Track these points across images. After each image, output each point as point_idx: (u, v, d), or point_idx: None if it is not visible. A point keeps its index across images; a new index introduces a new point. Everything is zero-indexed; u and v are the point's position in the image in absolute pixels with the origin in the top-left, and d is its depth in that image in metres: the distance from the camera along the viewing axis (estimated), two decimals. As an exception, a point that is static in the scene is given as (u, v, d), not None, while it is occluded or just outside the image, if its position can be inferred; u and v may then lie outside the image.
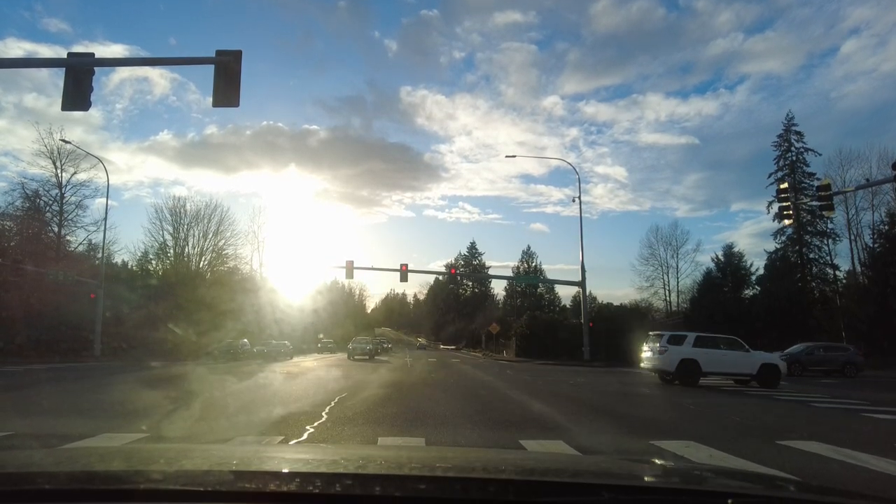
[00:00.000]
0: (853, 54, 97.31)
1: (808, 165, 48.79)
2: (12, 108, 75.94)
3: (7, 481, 1.21)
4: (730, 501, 1.05)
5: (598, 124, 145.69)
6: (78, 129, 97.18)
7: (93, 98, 12.10)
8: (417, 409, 9.69)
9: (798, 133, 49.60)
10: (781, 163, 49.77)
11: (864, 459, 5.87)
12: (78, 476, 1.25)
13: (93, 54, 12.53)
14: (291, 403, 10.51)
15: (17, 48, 77.33)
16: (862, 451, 6.27)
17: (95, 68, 12.29)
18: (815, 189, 33.87)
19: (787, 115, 50.81)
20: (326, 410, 9.22)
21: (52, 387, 14.26)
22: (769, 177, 50.55)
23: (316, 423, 7.86)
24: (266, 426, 7.77)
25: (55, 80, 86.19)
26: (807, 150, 49.07)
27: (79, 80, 11.88)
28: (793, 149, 49.34)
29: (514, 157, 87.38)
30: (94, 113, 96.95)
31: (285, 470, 1.31)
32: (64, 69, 12.14)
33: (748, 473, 2.72)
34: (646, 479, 1.47)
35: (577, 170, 59.51)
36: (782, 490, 1.43)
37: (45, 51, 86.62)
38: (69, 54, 12.38)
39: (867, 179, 36.07)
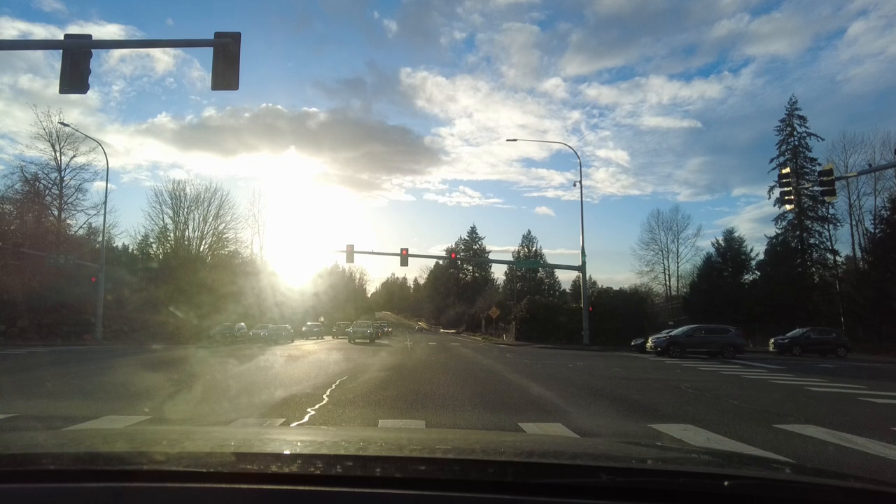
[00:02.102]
0: (860, 36, 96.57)
1: (810, 150, 48.63)
2: (7, 90, 75.55)
3: (12, 462, 1.22)
4: (726, 483, 1.06)
5: (600, 107, 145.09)
6: (75, 111, 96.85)
7: (90, 79, 12.01)
8: (417, 392, 9.76)
9: (801, 117, 49.33)
10: (784, 147, 49.54)
11: (859, 443, 5.92)
12: (82, 457, 1.26)
13: (90, 36, 12.39)
14: (292, 386, 10.58)
15: (10, 28, 76.56)
16: (858, 435, 6.33)
17: (93, 50, 12.17)
18: (816, 174, 33.74)
19: (791, 99, 50.55)
20: (327, 393, 9.29)
21: (54, 369, 14.36)
22: (771, 162, 50.41)
23: (317, 406, 7.92)
24: (267, 408, 7.83)
25: (51, 60, 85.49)
26: (810, 134, 48.86)
27: (76, 63, 11.77)
28: (795, 133, 49.08)
29: (515, 140, 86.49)
30: (92, 95, 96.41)
31: (287, 451, 1.32)
32: (61, 51, 12.03)
33: (745, 456, 2.75)
34: (643, 461, 1.48)
35: (579, 153, 59.40)
36: (778, 472, 1.45)
37: (40, 31, 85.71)
38: (66, 36, 12.24)
39: (870, 164, 35.91)
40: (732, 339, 24.98)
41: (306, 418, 7.04)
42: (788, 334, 30.53)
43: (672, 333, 26.18)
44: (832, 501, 1.07)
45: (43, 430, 5.78)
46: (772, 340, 30.77)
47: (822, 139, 48.44)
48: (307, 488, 1.03)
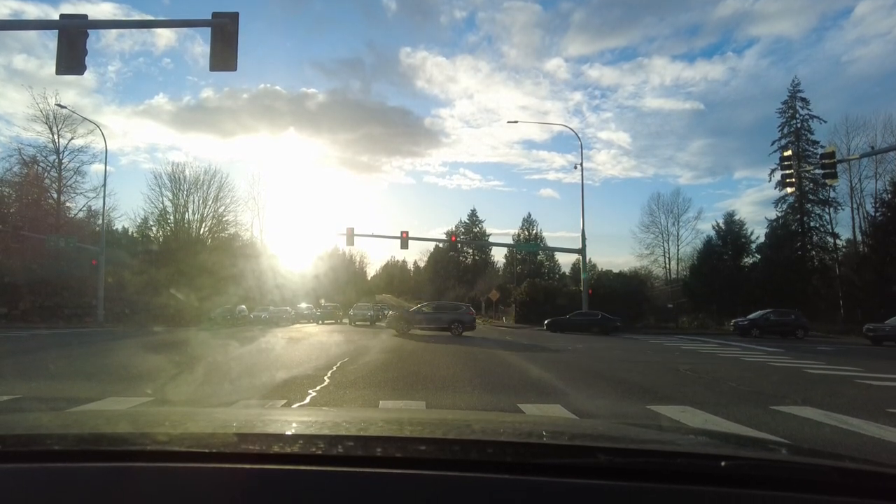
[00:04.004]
0: (868, 16, 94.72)
1: (812, 133, 48.19)
2: (1, 70, 74.37)
3: (17, 442, 1.23)
4: (723, 464, 1.07)
5: (602, 88, 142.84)
6: (71, 92, 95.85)
7: (86, 59, 11.88)
8: (418, 374, 9.83)
9: (804, 100, 48.84)
10: (786, 130, 49.14)
11: (855, 424, 5.98)
12: (86, 438, 1.27)
13: (86, 16, 12.27)
14: (294, 368, 10.65)
15: (1, 6, 75.17)
16: (854, 417, 6.39)
17: (89, 30, 12.03)
18: (818, 157, 33.56)
19: (794, 80, 49.93)
20: (328, 375, 9.35)
21: (57, 351, 14.45)
22: (773, 144, 49.99)
23: (318, 387, 7.98)
24: (269, 390, 7.89)
25: (45, 41, 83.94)
26: (812, 117, 48.41)
27: (73, 43, 11.63)
28: (798, 116, 48.65)
29: (516, 122, 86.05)
30: (88, 75, 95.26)
31: (288, 432, 1.34)
32: (56, 31, 11.88)
33: (742, 437, 2.78)
34: (641, 441, 1.50)
35: (580, 136, 59.04)
36: (774, 453, 1.46)
37: (32, 9, 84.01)
38: (61, 16, 12.11)
39: (872, 147, 35.74)
40: (461, 317, 25.85)
41: (308, 399, 7.10)
42: (749, 316, 31.23)
43: (407, 311, 28.51)
44: (828, 482, 1.08)
45: (47, 411, 5.83)
46: (732, 321, 31.27)
47: (825, 121, 48.08)
48: (309, 468, 1.04)
